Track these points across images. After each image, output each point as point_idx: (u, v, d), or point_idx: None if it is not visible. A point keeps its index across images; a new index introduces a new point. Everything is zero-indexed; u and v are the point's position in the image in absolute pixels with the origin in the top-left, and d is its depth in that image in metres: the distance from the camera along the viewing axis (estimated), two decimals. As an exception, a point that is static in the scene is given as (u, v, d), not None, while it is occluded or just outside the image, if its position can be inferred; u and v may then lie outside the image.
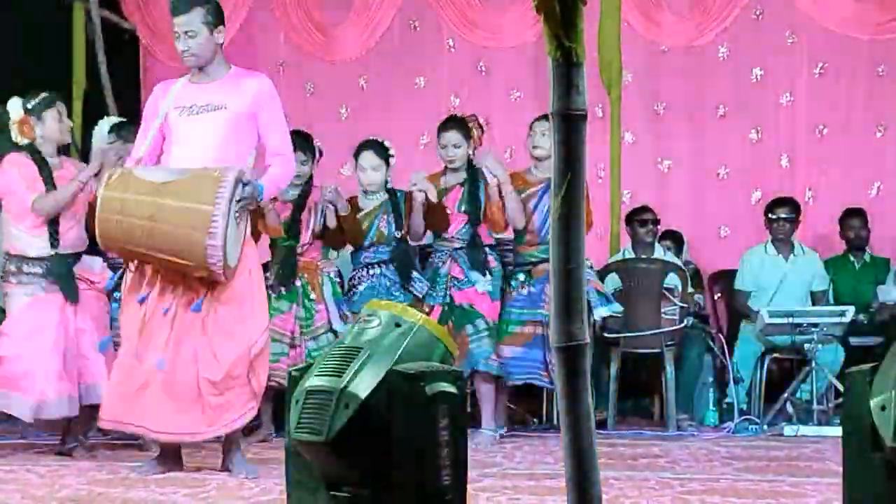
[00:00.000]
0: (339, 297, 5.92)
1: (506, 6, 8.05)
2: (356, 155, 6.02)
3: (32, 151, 5.13)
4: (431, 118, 8.28)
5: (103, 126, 5.71)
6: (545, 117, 5.87)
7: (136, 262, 4.53)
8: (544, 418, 6.41)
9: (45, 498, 4.00)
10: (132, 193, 4.28)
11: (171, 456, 4.62)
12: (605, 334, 6.34)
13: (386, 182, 6.01)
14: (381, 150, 5.97)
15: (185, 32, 4.45)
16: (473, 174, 5.90)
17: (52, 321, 5.07)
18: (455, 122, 5.97)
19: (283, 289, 5.79)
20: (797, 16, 7.82)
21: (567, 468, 2.07)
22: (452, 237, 5.89)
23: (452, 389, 2.81)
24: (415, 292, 5.84)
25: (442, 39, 8.31)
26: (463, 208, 5.86)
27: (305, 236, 5.87)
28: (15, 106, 5.13)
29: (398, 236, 5.95)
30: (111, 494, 4.06)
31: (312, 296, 5.84)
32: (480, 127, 6.02)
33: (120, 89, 7.71)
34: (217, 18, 4.52)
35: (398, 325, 2.92)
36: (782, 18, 7.90)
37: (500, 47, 8.08)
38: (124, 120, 5.79)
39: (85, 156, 5.78)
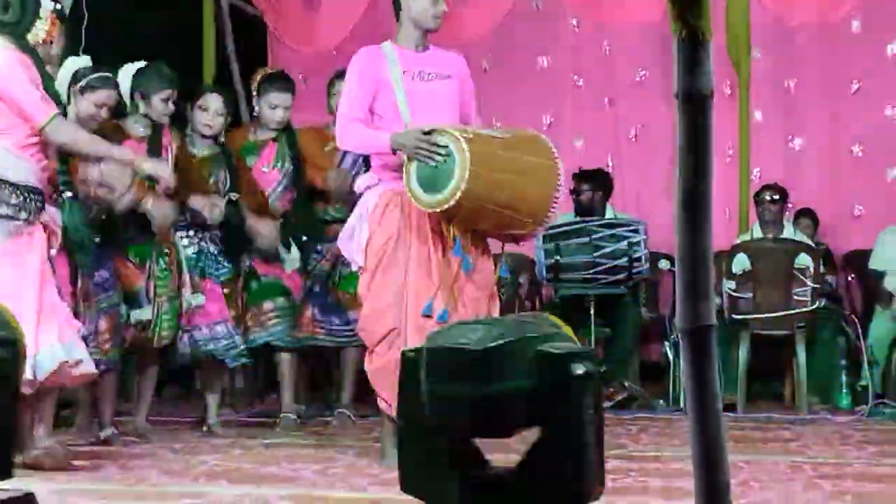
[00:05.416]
0: (191, 264, 5.21)
1: (630, -16, 7.94)
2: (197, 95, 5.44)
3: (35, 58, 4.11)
4: (555, 99, 8.29)
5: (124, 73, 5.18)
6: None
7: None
8: (671, 400, 6.35)
9: (182, 473, 4.13)
10: (493, 147, 4.13)
11: None
12: (734, 315, 6.25)
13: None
14: (229, 97, 5.59)
15: None
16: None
17: None
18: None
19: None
20: (935, -14, 7.54)
21: (694, 451, 2.05)
22: None
23: (595, 369, 2.82)
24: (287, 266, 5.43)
25: (565, 19, 8.24)
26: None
27: None
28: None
29: (233, 199, 5.31)
30: (245, 469, 4.17)
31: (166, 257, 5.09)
32: None
33: (248, 73, 7.87)
34: None
35: None
36: (919, -11, 7.64)
37: (625, 26, 7.98)
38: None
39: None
